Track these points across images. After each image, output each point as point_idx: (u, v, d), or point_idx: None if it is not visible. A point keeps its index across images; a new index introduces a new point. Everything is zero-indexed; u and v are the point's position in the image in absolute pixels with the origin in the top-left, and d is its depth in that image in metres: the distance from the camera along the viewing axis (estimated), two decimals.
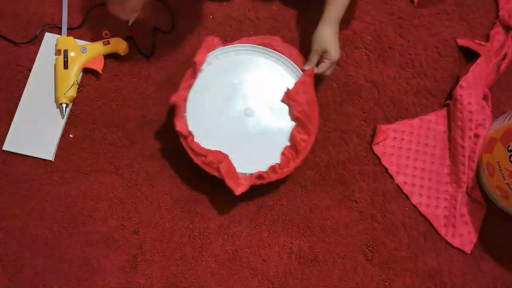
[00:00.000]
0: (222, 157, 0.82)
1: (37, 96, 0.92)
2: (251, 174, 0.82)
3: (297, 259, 0.87)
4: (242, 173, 0.83)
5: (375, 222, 0.90)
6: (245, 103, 0.87)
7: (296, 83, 0.86)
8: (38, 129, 0.90)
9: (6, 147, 0.89)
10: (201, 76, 0.87)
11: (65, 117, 0.90)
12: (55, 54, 0.93)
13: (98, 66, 0.92)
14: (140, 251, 0.86)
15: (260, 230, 0.88)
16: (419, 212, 0.91)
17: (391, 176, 0.92)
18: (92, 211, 0.87)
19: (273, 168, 0.83)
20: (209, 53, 0.87)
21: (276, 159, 0.84)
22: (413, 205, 0.91)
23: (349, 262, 0.87)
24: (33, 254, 0.85)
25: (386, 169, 0.92)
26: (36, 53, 0.94)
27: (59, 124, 0.90)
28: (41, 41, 0.95)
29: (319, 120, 0.87)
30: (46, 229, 0.86)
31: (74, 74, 0.90)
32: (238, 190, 0.80)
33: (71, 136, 0.91)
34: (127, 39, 0.95)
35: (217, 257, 0.86)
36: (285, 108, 0.87)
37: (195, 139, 0.83)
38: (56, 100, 0.90)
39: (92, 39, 0.95)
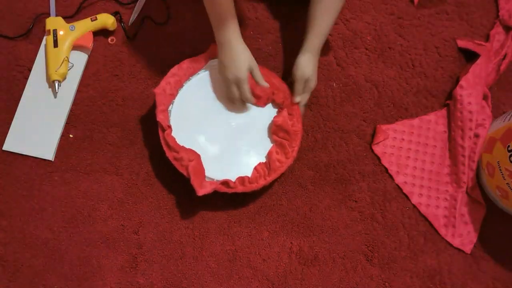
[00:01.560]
0: (194, 157, 0.82)
1: (37, 96, 0.92)
2: (218, 180, 0.83)
3: (297, 259, 0.87)
4: (209, 178, 0.83)
5: (375, 222, 0.90)
6: (230, 113, 0.88)
7: (283, 114, 0.86)
8: (38, 129, 0.90)
9: (6, 147, 0.89)
10: (196, 78, 0.89)
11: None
12: (45, 35, 0.94)
13: (88, 42, 0.93)
14: (140, 251, 0.86)
15: (260, 230, 0.88)
16: (419, 212, 0.91)
17: (391, 176, 0.92)
18: (92, 211, 0.87)
19: (241, 180, 0.83)
20: (210, 60, 0.89)
21: (248, 172, 0.84)
22: (413, 205, 0.91)
23: (349, 262, 0.87)
24: (33, 254, 0.85)
25: (386, 169, 0.92)
26: (36, 53, 0.94)
27: (59, 124, 0.90)
28: (41, 41, 0.95)
29: (305, 139, 0.88)
30: (46, 229, 0.86)
31: (64, 51, 0.91)
32: (200, 192, 0.80)
33: (71, 136, 0.91)
34: (114, 14, 0.96)
35: (217, 257, 0.86)
36: (268, 126, 0.88)
37: (174, 134, 0.84)
38: (48, 78, 0.91)
39: None
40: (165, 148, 0.83)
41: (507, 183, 0.83)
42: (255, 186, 0.83)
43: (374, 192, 0.91)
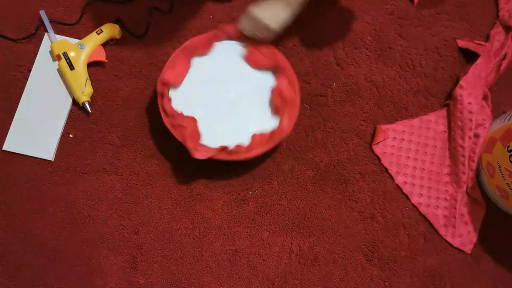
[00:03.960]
0: (190, 123, 0.84)
1: (37, 96, 0.92)
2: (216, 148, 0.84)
3: (297, 259, 0.87)
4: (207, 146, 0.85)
5: (375, 222, 0.90)
6: (228, 84, 0.90)
7: (283, 81, 0.88)
8: (38, 129, 0.90)
9: (6, 147, 0.89)
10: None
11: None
12: (54, 60, 0.93)
13: (101, 57, 0.93)
14: (140, 251, 0.86)
15: (260, 230, 0.88)
16: (419, 212, 0.91)
17: (391, 176, 0.92)
18: (92, 211, 0.87)
19: (239, 148, 0.84)
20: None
21: (246, 141, 0.86)
22: (413, 205, 0.91)
23: (349, 262, 0.87)
24: (33, 254, 0.85)
25: (386, 169, 0.92)
26: (36, 53, 0.94)
27: (59, 124, 0.91)
28: (41, 41, 0.95)
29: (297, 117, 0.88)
30: (46, 229, 0.86)
31: (82, 71, 0.91)
32: (196, 155, 0.81)
33: (71, 136, 0.91)
34: (116, 22, 0.96)
35: (217, 257, 0.86)
36: (266, 95, 0.90)
37: (174, 102, 0.86)
38: (78, 101, 0.90)
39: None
40: (162, 114, 0.84)
41: (507, 183, 0.83)
42: (254, 153, 0.84)
43: (374, 192, 0.91)
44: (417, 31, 1.01)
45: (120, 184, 0.89)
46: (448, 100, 0.96)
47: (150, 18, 0.97)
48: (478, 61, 0.95)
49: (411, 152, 0.94)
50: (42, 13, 0.94)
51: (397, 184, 0.92)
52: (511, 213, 0.89)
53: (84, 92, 0.90)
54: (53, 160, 0.89)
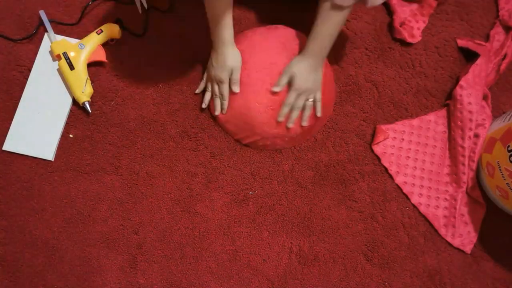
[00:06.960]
0: None
1: (37, 96, 0.92)
2: None
3: (297, 259, 0.87)
4: None
5: (375, 222, 0.90)
6: None
7: None
8: (38, 129, 0.90)
9: (6, 147, 0.89)
10: None
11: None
12: (54, 60, 0.93)
13: (101, 57, 0.93)
14: (140, 251, 0.86)
15: (260, 230, 0.88)
16: (419, 212, 0.91)
17: (391, 176, 0.92)
18: (92, 211, 0.87)
19: None
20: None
21: None
22: (413, 205, 0.91)
23: (349, 262, 0.87)
24: (33, 254, 0.85)
25: (386, 169, 0.92)
26: (36, 53, 0.94)
27: (59, 124, 0.91)
28: (41, 41, 0.95)
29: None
30: (46, 229, 0.86)
31: (82, 71, 0.91)
32: None
33: (71, 136, 0.91)
34: (116, 22, 0.96)
35: (217, 257, 0.86)
36: None
37: None
38: (78, 101, 0.90)
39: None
40: None
41: (507, 183, 0.83)
42: None
43: (374, 192, 0.91)
44: None
45: (120, 184, 0.89)
46: (448, 100, 0.96)
47: (149, 18, 0.97)
48: (478, 61, 0.95)
49: (411, 152, 0.94)
50: (42, 13, 0.94)
51: (397, 184, 0.92)
52: (511, 213, 0.89)
53: (84, 92, 0.90)
54: (53, 160, 0.89)
